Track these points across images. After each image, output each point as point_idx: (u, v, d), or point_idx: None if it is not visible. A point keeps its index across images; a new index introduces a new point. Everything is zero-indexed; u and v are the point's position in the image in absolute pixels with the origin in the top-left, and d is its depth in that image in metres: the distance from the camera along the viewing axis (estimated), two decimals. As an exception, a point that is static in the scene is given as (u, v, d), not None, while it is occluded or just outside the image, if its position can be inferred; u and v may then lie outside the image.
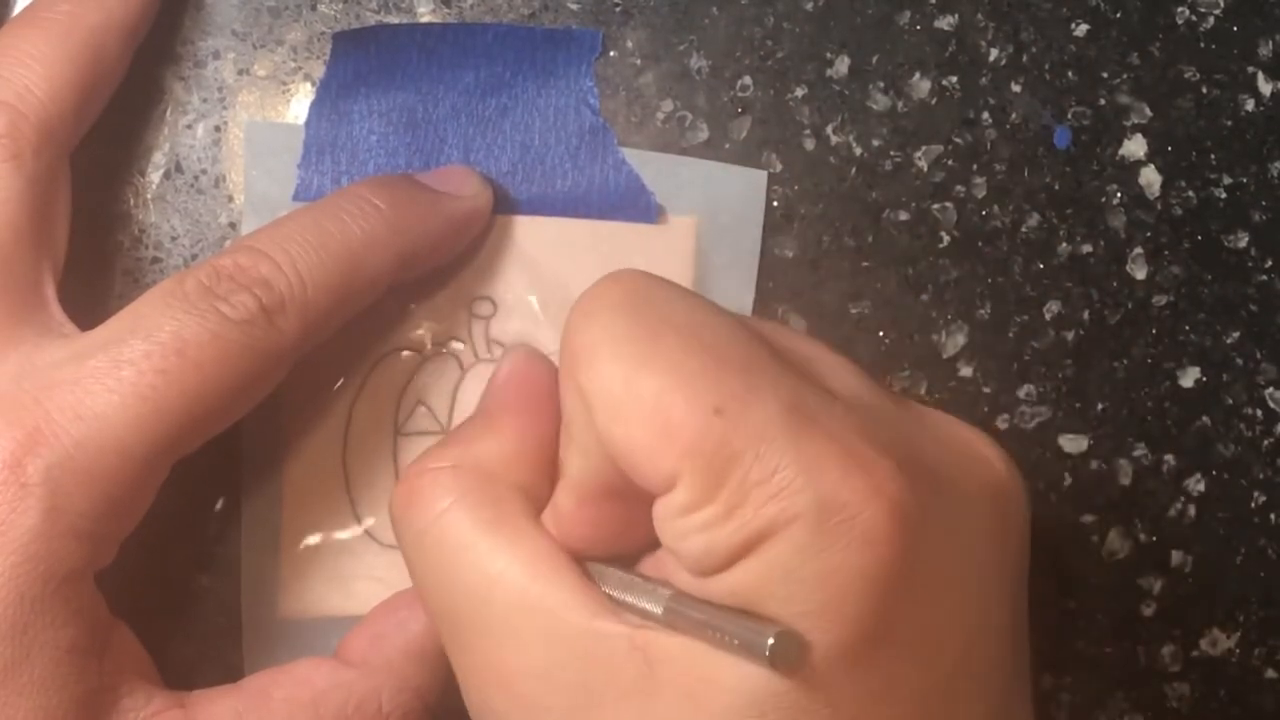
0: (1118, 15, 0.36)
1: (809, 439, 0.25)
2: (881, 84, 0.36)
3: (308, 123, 0.34)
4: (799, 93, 0.35)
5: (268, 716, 0.29)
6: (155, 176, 0.35)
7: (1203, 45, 0.36)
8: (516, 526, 0.28)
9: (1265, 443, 0.37)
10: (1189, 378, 0.36)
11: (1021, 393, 0.36)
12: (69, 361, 0.28)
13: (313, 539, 0.34)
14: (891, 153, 0.36)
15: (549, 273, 0.34)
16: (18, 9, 0.34)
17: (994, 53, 0.36)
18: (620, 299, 0.27)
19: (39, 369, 0.28)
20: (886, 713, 0.25)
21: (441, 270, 0.34)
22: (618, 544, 0.29)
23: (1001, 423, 0.36)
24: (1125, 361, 0.36)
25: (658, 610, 0.26)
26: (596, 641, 0.26)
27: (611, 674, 0.26)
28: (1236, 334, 0.36)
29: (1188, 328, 0.36)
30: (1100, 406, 0.36)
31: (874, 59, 0.36)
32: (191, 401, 0.28)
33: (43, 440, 0.27)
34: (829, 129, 0.35)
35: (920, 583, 0.25)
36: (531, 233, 0.34)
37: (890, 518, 0.25)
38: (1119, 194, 0.36)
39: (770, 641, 0.24)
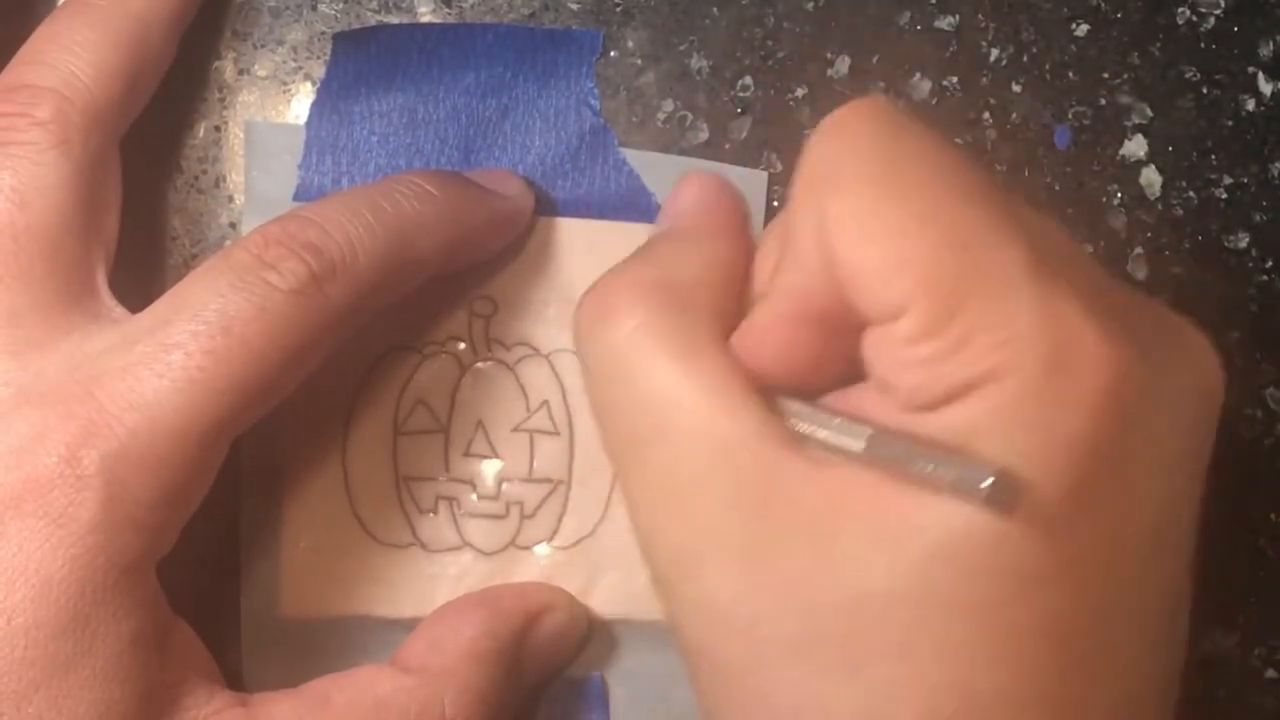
0: (1118, 15, 0.36)
1: (1050, 291, 0.24)
2: (882, 84, 0.36)
3: (308, 123, 0.34)
4: (799, 93, 0.35)
5: None
6: (155, 176, 0.35)
7: (1203, 45, 0.36)
8: (706, 351, 0.27)
9: (1265, 442, 0.36)
10: (1189, 378, 0.36)
11: (1022, 393, 0.36)
12: (118, 348, 0.28)
13: (312, 539, 0.33)
14: (892, 153, 0.36)
15: (549, 272, 0.34)
16: None
17: (994, 53, 0.36)
18: (872, 120, 0.27)
19: (89, 357, 0.28)
20: (1073, 575, 0.25)
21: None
22: (804, 378, 0.28)
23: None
24: (1125, 361, 0.36)
25: (857, 445, 0.25)
26: (778, 473, 0.26)
27: (791, 508, 0.26)
28: (1236, 334, 0.36)
29: (1188, 328, 0.36)
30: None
31: (874, 59, 0.36)
32: (241, 380, 0.28)
33: (97, 431, 0.27)
34: (829, 129, 0.35)
35: (1128, 456, 0.25)
36: (532, 232, 0.34)
37: (1120, 384, 0.24)
38: (1119, 194, 0.36)
39: (990, 479, 0.23)
